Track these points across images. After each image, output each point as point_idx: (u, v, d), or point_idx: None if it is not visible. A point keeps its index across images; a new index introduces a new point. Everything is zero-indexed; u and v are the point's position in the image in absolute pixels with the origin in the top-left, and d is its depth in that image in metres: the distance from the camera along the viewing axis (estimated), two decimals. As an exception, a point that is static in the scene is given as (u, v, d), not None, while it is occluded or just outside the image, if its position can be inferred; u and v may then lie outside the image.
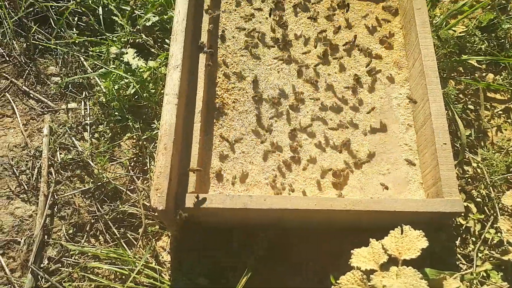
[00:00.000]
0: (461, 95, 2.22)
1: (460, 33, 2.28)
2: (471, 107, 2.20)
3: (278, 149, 1.85)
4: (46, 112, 2.14)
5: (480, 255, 1.80)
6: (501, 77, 2.28)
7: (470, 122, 2.16)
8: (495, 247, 1.81)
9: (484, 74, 2.32)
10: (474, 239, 1.85)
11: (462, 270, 1.74)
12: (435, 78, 1.84)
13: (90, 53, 2.23)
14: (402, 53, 2.05)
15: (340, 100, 1.96)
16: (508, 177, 1.97)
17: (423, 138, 1.83)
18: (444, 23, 2.31)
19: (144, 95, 2.06)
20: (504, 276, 1.65)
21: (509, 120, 2.20)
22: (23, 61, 2.26)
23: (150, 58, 2.18)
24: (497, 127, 2.18)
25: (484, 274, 1.70)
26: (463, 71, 2.30)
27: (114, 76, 2.08)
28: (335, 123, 1.90)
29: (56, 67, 2.27)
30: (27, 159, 2.01)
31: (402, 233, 1.49)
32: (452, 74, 2.26)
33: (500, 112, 2.22)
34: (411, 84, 1.97)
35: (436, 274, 1.52)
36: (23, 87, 2.20)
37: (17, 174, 1.97)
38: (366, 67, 1.99)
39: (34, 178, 1.96)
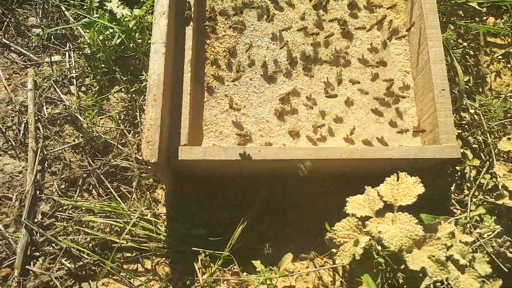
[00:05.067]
0: (460, 40, 2.14)
1: (461, -27, 2.17)
2: (471, 52, 2.13)
3: (273, 98, 1.80)
4: (29, 66, 2.05)
5: (474, 200, 1.80)
6: (502, 20, 2.19)
7: (469, 68, 2.10)
8: (490, 192, 1.81)
9: (484, 18, 2.24)
10: (469, 184, 1.85)
11: (456, 215, 1.75)
12: (435, 21, 1.76)
13: (72, 1, 2.11)
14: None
15: (337, 53, 1.88)
16: (505, 122, 1.95)
17: (421, 84, 1.79)
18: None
19: (131, 45, 1.97)
20: (497, 219, 1.66)
21: (508, 65, 2.15)
22: (1, 11, 2.14)
23: (136, 6, 2.06)
24: (496, 73, 2.13)
25: (478, 219, 1.71)
26: (463, 15, 2.22)
27: (98, 26, 1.98)
28: (334, 69, 1.84)
29: (36, 17, 2.15)
30: (13, 115, 1.94)
31: (398, 180, 1.48)
32: (452, 18, 2.17)
33: (500, 57, 2.16)
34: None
35: (431, 219, 1.53)
36: (3, 39, 2.10)
37: (4, 130, 1.91)
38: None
39: (21, 134, 1.91)
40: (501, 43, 2.20)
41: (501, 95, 2.04)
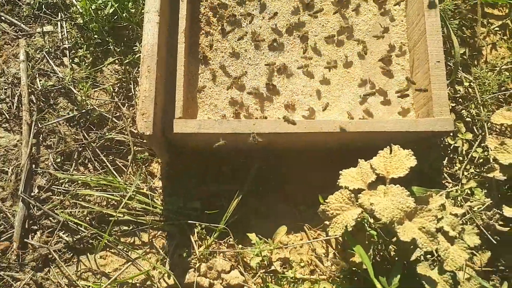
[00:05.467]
0: (458, 10, 2.11)
1: None
2: (468, 23, 2.11)
3: (269, 70, 1.79)
4: (20, 36, 2.01)
5: (466, 173, 1.83)
6: (501, -10, 2.16)
7: (465, 40, 2.09)
8: (481, 166, 1.84)
9: (483, -12, 2.20)
10: (461, 158, 1.87)
11: (448, 188, 1.78)
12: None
13: (62, -31, 2.05)
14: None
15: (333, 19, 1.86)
16: (499, 95, 1.95)
17: (416, 56, 1.77)
18: None
19: (124, 15, 1.93)
20: (488, 193, 1.70)
21: (505, 37, 2.13)
22: (-11, -20, 2.08)
23: (128, -26, 2.01)
24: (492, 45, 2.12)
25: (469, 192, 1.74)
26: (461, -15, 2.18)
27: (89, -5, 1.93)
28: (329, 37, 1.83)
29: (26, -14, 2.10)
30: (5, 87, 1.92)
31: (391, 153, 1.50)
32: (450, -12, 2.14)
33: (497, 29, 2.14)
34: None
35: (422, 192, 1.55)
36: (-8, 9, 2.05)
37: (-3, 103, 1.90)
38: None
39: (15, 107, 1.90)
40: (498, 14, 2.17)
41: (496, 68, 2.04)
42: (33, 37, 2.02)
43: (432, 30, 1.70)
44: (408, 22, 1.85)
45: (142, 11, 1.93)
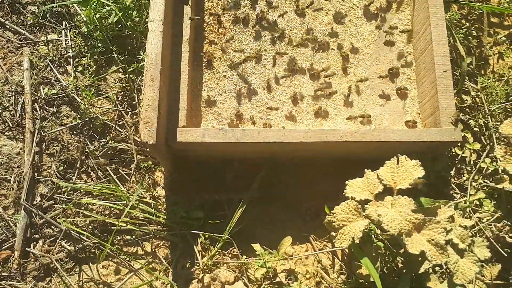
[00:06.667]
0: (463, 21, 2.10)
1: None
2: (474, 33, 2.10)
3: (273, 79, 1.78)
4: (24, 45, 2.01)
5: (474, 184, 1.80)
6: (507, 0, 2.15)
7: (472, 49, 2.07)
8: (490, 176, 1.81)
9: (488, -2, 2.19)
10: (469, 168, 1.85)
11: (456, 199, 1.76)
12: (438, 0, 1.72)
13: (67, -22, 2.05)
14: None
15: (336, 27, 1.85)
16: (507, 105, 1.93)
17: (422, 66, 1.76)
18: None
19: (128, 24, 1.93)
20: (496, 204, 1.67)
21: (511, 47, 2.12)
22: (-5, -12, 2.08)
23: (133, -17, 2.01)
24: (498, 54, 2.10)
25: (477, 203, 1.71)
26: (466, -6, 2.17)
27: (94, 3, 1.93)
28: (332, 51, 1.81)
29: (31, -6, 2.10)
30: (9, 95, 1.91)
31: (398, 163, 1.47)
32: (456, -2, 2.13)
33: (503, 38, 2.13)
34: (412, 8, 1.85)
35: (430, 203, 1.53)
36: (-2, 17, 2.05)
37: (0, 111, 1.89)
38: None
39: (18, 115, 1.89)
40: (505, 24, 2.16)
41: (503, 78, 2.02)
42: (37, 45, 2.02)
43: (438, 39, 1.69)
44: (414, 31, 1.84)
45: (146, 20, 1.92)
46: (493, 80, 2.00)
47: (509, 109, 1.93)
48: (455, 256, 1.32)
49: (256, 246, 1.67)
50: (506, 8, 2.10)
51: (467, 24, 2.08)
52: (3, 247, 1.70)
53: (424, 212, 1.35)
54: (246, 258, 1.68)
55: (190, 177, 1.79)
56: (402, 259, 1.51)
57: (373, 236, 1.51)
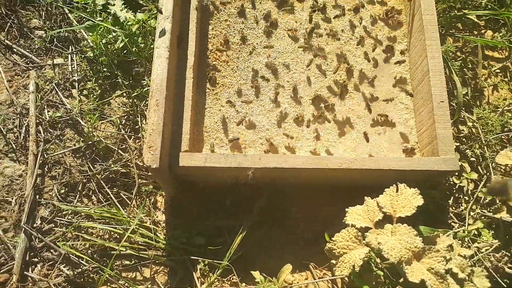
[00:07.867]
0: (459, 53, 2.17)
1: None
2: (469, 65, 2.16)
3: (275, 106, 1.81)
4: (31, 68, 2.05)
5: (472, 213, 1.82)
6: (500, 34, 2.23)
7: (467, 81, 2.13)
8: (487, 206, 1.83)
9: (483, 31, 2.27)
10: (466, 198, 1.87)
11: (454, 228, 1.77)
12: (435, 33, 1.78)
13: (75, 4, 2.11)
14: (401, 7, 1.98)
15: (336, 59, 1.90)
16: (503, 136, 1.97)
17: (420, 96, 1.80)
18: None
19: (133, 49, 1.98)
20: (495, 234, 1.68)
21: (506, 79, 2.18)
22: (4, 12, 2.13)
23: (139, 10, 2.07)
24: (493, 86, 2.16)
25: (476, 232, 1.73)
26: (461, 28, 2.25)
27: (101, 29, 1.98)
28: (331, 80, 1.86)
29: (40, 19, 2.16)
30: (14, 117, 1.94)
31: (397, 191, 1.50)
32: (451, 31, 2.20)
33: (497, 71, 2.19)
34: (409, 40, 1.91)
35: (430, 232, 1.54)
36: (6, 41, 2.09)
37: (4, 133, 1.91)
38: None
39: (22, 137, 1.91)
40: (498, 57, 2.23)
41: (498, 109, 2.07)
42: (44, 69, 2.06)
43: (435, 70, 1.74)
44: (411, 63, 1.89)
45: (151, 46, 1.98)
46: (489, 111, 2.05)
47: (504, 140, 1.98)
48: (455, 286, 1.33)
49: (256, 274, 1.67)
50: (499, 41, 2.17)
51: (462, 56, 2.15)
52: (1, 270, 1.69)
53: (423, 240, 1.36)
54: (245, 286, 1.68)
55: (191, 201, 1.80)
56: None
57: (372, 265, 1.51)
